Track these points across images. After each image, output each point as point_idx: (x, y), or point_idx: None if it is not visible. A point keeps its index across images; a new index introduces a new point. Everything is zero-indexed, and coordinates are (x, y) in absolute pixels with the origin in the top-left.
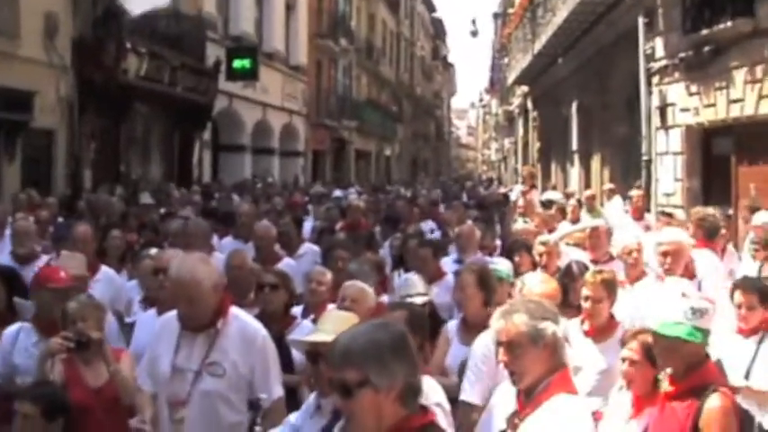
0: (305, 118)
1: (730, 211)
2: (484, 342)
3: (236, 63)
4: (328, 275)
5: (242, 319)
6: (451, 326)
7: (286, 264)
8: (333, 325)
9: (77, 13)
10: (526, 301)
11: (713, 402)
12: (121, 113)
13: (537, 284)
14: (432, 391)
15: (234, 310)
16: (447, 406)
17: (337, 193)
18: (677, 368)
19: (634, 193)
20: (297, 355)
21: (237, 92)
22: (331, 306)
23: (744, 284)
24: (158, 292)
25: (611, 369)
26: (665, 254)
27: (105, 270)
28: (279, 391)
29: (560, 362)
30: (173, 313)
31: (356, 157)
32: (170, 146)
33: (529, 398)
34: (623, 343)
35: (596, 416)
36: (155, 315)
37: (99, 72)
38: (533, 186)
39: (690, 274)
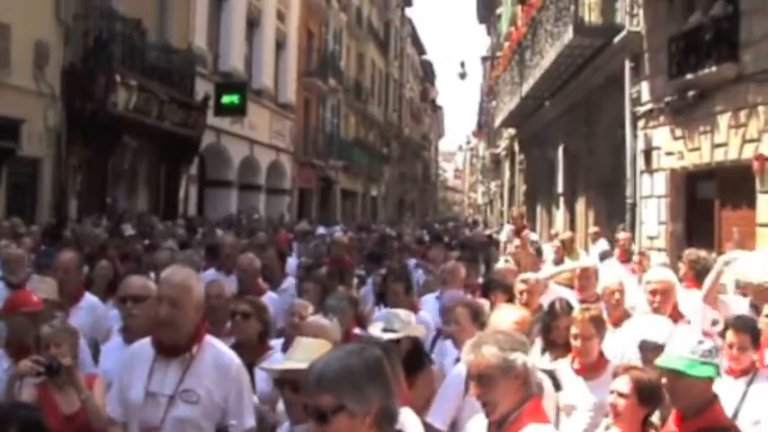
0: (292, 156)
1: (713, 255)
2: (458, 370)
3: (225, 98)
4: (310, 309)
5: (217, 348)
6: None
7: (269, 297)
8: (304, 353)
9: (68, 43)
10: (495, 332)
11: None
12: (109, 145)
13: (507, 314)
14: (411, 424)
15: (209, 338)
16: None
17: (321, 230)
18: (687, 408)
19: (621, 235)
20: (261, 387)
21: (225, 128)
22: None
23: (737, 324)
24: (126, 321)
25: (603, 406)
26: (653, 292)
27: (89, 298)
28: (251, 422)
29: (531, 392)
30: (146, 340)
31: (343, 197)
32: (156, 179)
33: (500, 429)
34: (614, 376)
35: None
36: (121, 343)
37: (88, 103)
38: (525, 226)
39: (677, 314)
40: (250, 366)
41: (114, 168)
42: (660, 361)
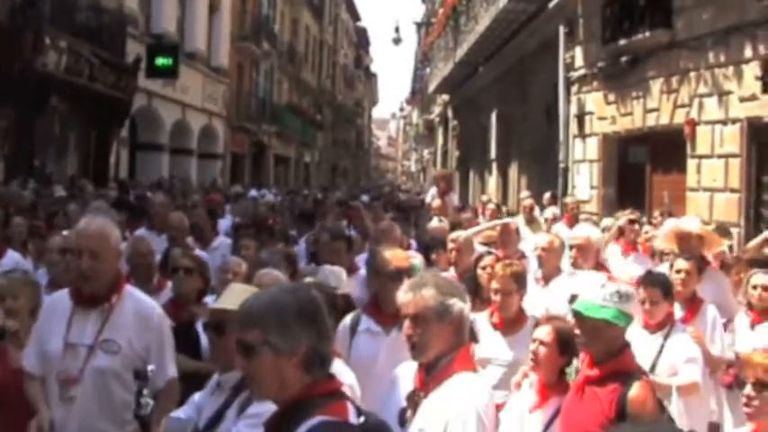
0: (224, 120)
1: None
2: (345, 324)
3: (158, 60)
4: (244, 266)
5: (137, 297)
6: None
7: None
8: (236, 297)
9: None
10: (436, 275)
11: (639, 390)
12: (38, 107)
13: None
14: (343, 373)
15: (128, 288)
16: (358, 393)
17: (253, 192)
18: (600, 351)
19: (569, 199)
20: (205, 344)
21: (157, 90)
22: None
23: (646, 279)
24: (64, 275)
25: (519, 362)
26: (572, 247)
27: (12, 254)
28: (172, 371)
29: (463, 339)
30: (64, 291)
31: (275, 163)
32: (87, 143)
33: (430, 374)
34: (536, 326)
35: (498, 407)
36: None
37: (16, 62)
38: (449, 190)
39: (601, 269)
40: (188, 323)
41: (43, 131)
42: (577, 306)
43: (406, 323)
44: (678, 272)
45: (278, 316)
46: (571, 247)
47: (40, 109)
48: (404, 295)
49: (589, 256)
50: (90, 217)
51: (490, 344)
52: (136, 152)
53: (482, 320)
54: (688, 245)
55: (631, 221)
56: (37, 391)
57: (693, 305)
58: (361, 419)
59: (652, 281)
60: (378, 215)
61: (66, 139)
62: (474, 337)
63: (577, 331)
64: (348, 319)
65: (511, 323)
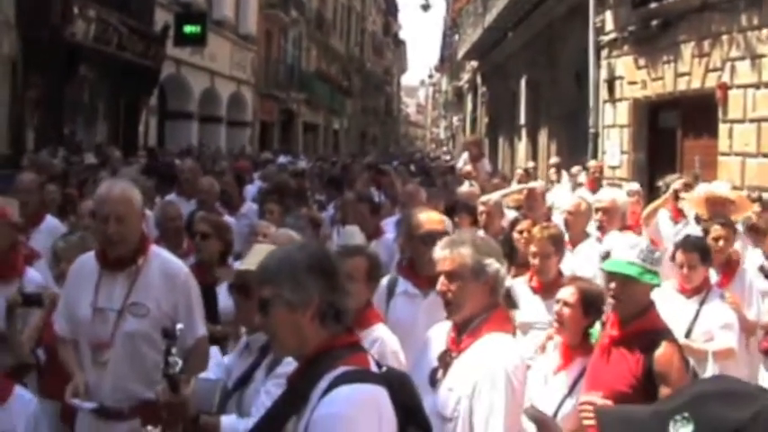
0: (253, 88)
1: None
2: (382, 286)
3: (186, 28)
4: (272, 229)
5: (163, 257)
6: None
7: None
8: (256, 256)
9: None
10: (474, 235)
11: (666, 349)
12: (67, 76)
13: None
14: (388, 339)
15: (154, 248)
16: (402, 358)
17: (282, 159)
18: (626, 311)
19: (591, 163)
20: (223, 307)
21: (185, 58)
22: None
23: (685, 244)
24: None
25: None
26: (598, 210)
27: (50, 219)
28: (202, 330)
29: (497, 300)
30: (90, 254)
31: (304, 130)
32: (115, 111)
33: (462, 334)
34: (561, 287)
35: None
36: None
37: (45, 31)
38: (481, 156)
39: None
40: (212, 286)
41: (72, 100)
42: (610, 265)
43: (441, 279)
44: (716, 239)
45: (290, 271)
46: (597, 211)
47: (69, 78)
48: (440, 252)
49: (615, 219)
50: (111, 181)
51: (530, 308)
52: (165, 120)
53: (521, 285)
54: (718, 209)
55: (687, 185)
56: (69, 354)
57: (729, 269)
58: (383, 369)
59: (691, 245)
60: (405, 180)
61: (96, 108)
62: (513, 304)
63: (609, 287)
64: (385, 281)
65: (550, 286)
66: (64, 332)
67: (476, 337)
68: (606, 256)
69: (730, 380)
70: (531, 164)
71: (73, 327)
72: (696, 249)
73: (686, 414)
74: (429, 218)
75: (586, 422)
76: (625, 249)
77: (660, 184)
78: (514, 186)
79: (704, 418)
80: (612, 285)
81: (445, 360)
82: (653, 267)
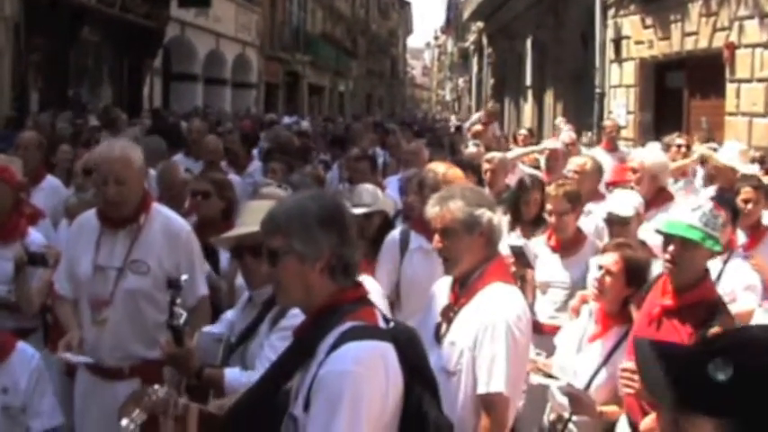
0: (258, 50)
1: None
2: (392, 235)
3: None
4: (279, 192)
5: (165, 215)
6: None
7: (232, 180)
8: (252, 215)
9: None
10: (463, 187)
11: (724, 327)
12: (70, 38)
13: (442, 170)
14: (372, 289)
15: (156, 206)
16: (385, 305)
17: (287, 120)
18: (683, 278)
19: (607, 122)
20: (224, 264)
21: (190, 20)
22: None
23: (717, 200)
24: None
25: (579, 283)
26: (633, 170)
27: (51, 179)
28: (203, 289)
29: (495, 250)
30: (91, 212)
31: (309, 92)
32: (120, 73)
33: (463, 288)
34: (603, 252)
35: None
36: None
37: None
38: (494, 120)
39: (665, 195)
40: (211, 246)
41: (77, 63)
42: (670, 227)
43: (436, 237)
44: (745, 201)
45: (300, 221)
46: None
47: (73, 40)
48: (431, 209)
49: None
50: (111, 141)
51: (549, 267)
52: (170, 82)
53: (540, 244)
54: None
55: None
56: (68, 312)
57: (757, 233)
58: (390, 325)
59: (723, 203)
60: (409, 139)
61: (100, 71)
62: (528, 263)
63: (667, 250)
64: (397, 235)
65: (569, 244)
66: (64, 291)
67: (476, 290)
68: (608, 216)
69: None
70: (522, 131)
71: (73, 285)
72: (728, 207)
73: (726, 359)
74: (444, 172)
75: (626, 390)
76: (686, 211)
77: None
78: (534, 147)
79: (744, 364)
80: (671, 249)
81: (448, 315)
82: (715, 232)
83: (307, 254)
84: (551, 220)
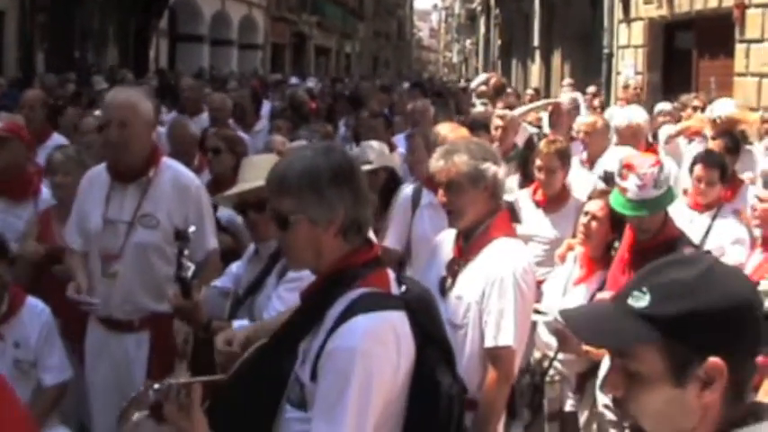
0: (264, 10)
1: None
2: (404, 191)
3: None
4: (287, 144)
5: (174, 169)
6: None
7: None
8: (253, 171)
9: None
10: (468, 141)
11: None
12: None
13: (449, 130)
14: None
15: (166, 160)
16: None
17: (294, 80)
18: (645, 233)
19: (631, 82)
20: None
21: None
22: None
23: (706, 159)
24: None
25: (561, 240)
26: (622, 138)
27: (57, 137)
28: (213, 243)
29: (499, 204)
30: (101, 166)
31: (316, 53)
32: (126, 34)
33: (468, 241)
34: (589, 199)
35: (539, 283)
36: None
37: None
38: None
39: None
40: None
41: (82, 24)
42: (619, 207)
43: (440, 191)
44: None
45: (312, 182)
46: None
47: (79, 1)
48: (436, 163)
49: (636, 140)
50: (117, 89)
51: (532, 221)
52: (176, 44)
53: (524, 198)
54: (722, 128)
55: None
56: (77, 263)
57: (733, 185)
58: (403, 288)
59: (712, 162)
60: (415, 99)
61: (106, 32)
62: (516, 217)
63: (633, 221)
64: (409, 192)
65: (554, 201)
66: (75, 245)
67: (482, 244)
68: (605, 174)
69: (681, 252)
70: (529, 90)
71: (84, 239)
72: (717, 166)
73: (643, 288)
74: (452, 129)
75: None
76: (632, 189)
77: (676, 104)
78: (538, 102)
79: (658, 286)
80: (635, 222)
81: (453, 268)
82: (663, 190)
83: (320, 217)
84: (540, 175)
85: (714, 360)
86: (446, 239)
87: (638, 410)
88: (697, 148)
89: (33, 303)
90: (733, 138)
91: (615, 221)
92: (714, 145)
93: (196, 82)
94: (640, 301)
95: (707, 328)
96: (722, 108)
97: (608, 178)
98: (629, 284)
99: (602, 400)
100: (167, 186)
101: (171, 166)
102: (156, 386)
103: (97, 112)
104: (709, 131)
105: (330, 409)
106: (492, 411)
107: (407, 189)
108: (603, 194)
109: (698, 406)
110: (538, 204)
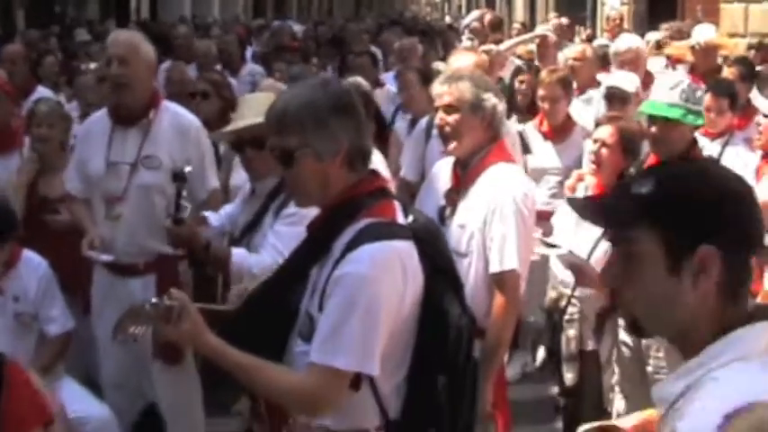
0: None
1: None
2: (420, 125)
3: None
4: (279, 85)
5: (174, 110)
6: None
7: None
8: (248, 108)
9: None
10: (473, 71)
11: None
12: None
13: (464, 58)
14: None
15: (166, 103)
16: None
17: (276, 24)
18: (668, 153)
19: (612, 13)
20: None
21: None
22: None
23: (716, 87)
24: (103, 102)
25: (571, 169)
26: (622, 63)
27: (42, 89)
28: (214, 182)
29: (497, 134)
30: (102, 111)
31: None
32: None
33: (465, 170)
34: (597, 126)
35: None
36: None
37: None
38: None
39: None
40: (214, 145)
41: None
42: (649, 108)
43: (439, 113)
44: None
45: (314, 116)
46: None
47: None
48: (439, 86)
49: (637, 68)
50: (119, 30)
51: (542, 153)
52: None
53: (531, 130)
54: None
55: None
56: (82, 212)
57: (746, 113)
58: (410, 218)
59: (722, 90)
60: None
61: None
62: (527, 149)
63: (650, 130)
64: (423, 124)
65: (560, 130)
66: (77, 191)
67: (479, 171)
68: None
69: None
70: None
71: (85, 185)
72: (727, 95)
73: (648, 176)
74: (465, 60)
75: None
76: (665, 90)
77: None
78: (523, 36)
79: (660, 175)
80: (653, 129)
81: (452, 197)
82: (696, 107)
83: (325, 149)
84: (544, 106)
85: (707, 247)
86: (443, 169)
87: (634, 297)
88: (682, 74)
89: (30, 257)
90: (747, 64)
91: (627, 149)
92: (728, 73)
93: (188, 29)
94: (642, 188)
95: (700, 216)
96: (702, 34)
97: (615, 95)
98: (637, 174)
99: (622, 336)
100: (168, 128)
101: (171, 108)
102: (154, 300)
103: (93, 65)
104: (690, 58)
105: (335, 332)
106: (500, 338)
107: (422, 121)
108: (612, 120)
109: (693, 297)
110: (545, 136)
